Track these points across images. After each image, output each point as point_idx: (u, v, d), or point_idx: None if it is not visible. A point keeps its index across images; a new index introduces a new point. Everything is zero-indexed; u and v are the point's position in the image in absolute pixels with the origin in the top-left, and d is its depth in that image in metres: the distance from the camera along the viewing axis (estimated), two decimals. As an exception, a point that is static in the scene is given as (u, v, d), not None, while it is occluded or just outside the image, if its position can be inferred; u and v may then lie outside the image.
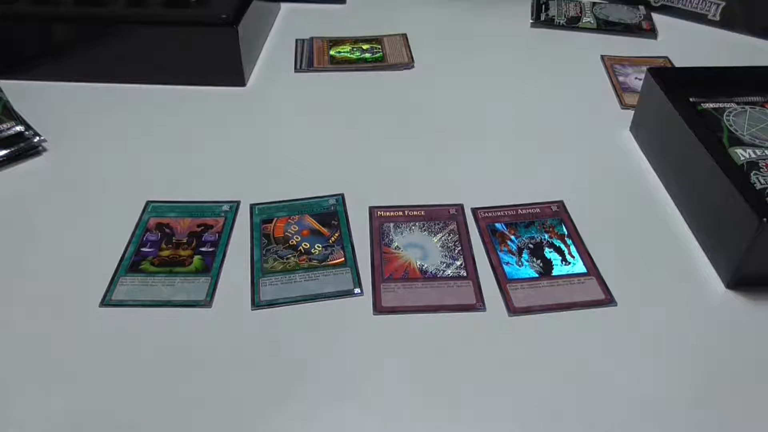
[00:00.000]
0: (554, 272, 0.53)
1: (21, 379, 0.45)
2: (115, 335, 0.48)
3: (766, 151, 0.56)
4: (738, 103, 0.63)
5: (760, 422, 0.43)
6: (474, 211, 0.59)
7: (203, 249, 0.55)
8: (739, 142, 0.58)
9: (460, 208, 0.59)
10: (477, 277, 0.52)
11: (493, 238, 0.56)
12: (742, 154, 0.56)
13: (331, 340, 0.48)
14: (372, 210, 0.59)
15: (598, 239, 0.56)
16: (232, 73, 0.76)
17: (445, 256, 0.54)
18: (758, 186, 0.52)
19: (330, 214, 0.59)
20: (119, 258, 0.54)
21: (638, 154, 0.67)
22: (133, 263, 0.53)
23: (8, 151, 0.64)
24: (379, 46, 0.86)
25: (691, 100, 0.64)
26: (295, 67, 0.82)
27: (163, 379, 0.45)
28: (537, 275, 0.53)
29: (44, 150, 0.66)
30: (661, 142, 0.63)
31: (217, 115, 0.72)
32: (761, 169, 0.54)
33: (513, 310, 0.50)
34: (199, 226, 0.57)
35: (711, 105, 0.62)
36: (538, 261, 0.54)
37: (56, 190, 0.61)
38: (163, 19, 0.74)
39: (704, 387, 0.45)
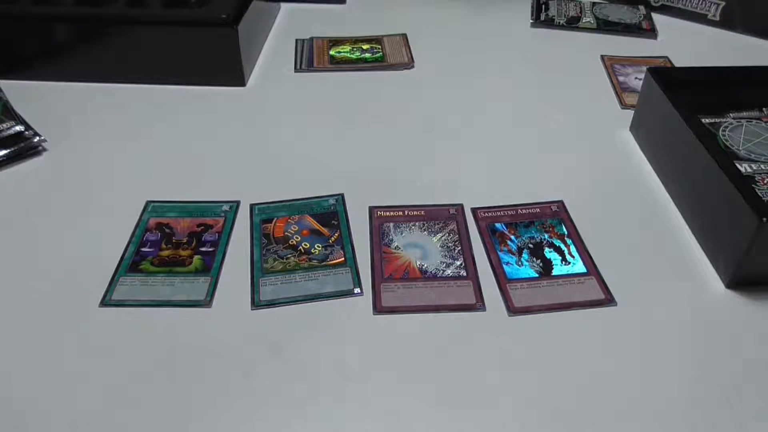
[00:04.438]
0: (554, 272, 0.53)
1: (21, 378, 0.45)
2: (115, 335, 0.48)
3: (762, 166, 0.57)
4: (734, 118, 0.64)
5: (760, 422, 0.43)
6: (474, 210, 0.59)
7: (203, 249, 0.55)
8: (734, 157, 0.58)
9: (460, 208, 0.59)
10: (477, 277, 0.52)
11: (492, 238, 0.56)
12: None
13: (331, 339, 0.48)
14: (372, 210, 0.59)
15: (598, 239, 0.56)
16: (232, 73, 0.76)
17: (445, 255, 0.54)
18: None
19: (330, 214, 0.59)
20: (119, 258, 0.54)
21: (638, 154, 0.67)
22: (133, 263, 0.53)
23: (8, 151, 0.64)
24: (379, 46, 0.86)
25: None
26: (295, 67, 0.82)
27: (163, 379, 0.45)
28: (537, 275, 0.53)
29: (44, 150, 0.66)
30: (661, 142, 0.63)
31: (217, 115, 0.72)
32: (757, 183, 0.55)
33: (513, 310, 0.50)
34: (199, 226, 0.57)
35: (707, 120, 0.63)
36: (538, 261, 0.54)
37: (56, 190, 0.61)
38: (163, 19, 0.74)
39: (704, 387, 0.45)
